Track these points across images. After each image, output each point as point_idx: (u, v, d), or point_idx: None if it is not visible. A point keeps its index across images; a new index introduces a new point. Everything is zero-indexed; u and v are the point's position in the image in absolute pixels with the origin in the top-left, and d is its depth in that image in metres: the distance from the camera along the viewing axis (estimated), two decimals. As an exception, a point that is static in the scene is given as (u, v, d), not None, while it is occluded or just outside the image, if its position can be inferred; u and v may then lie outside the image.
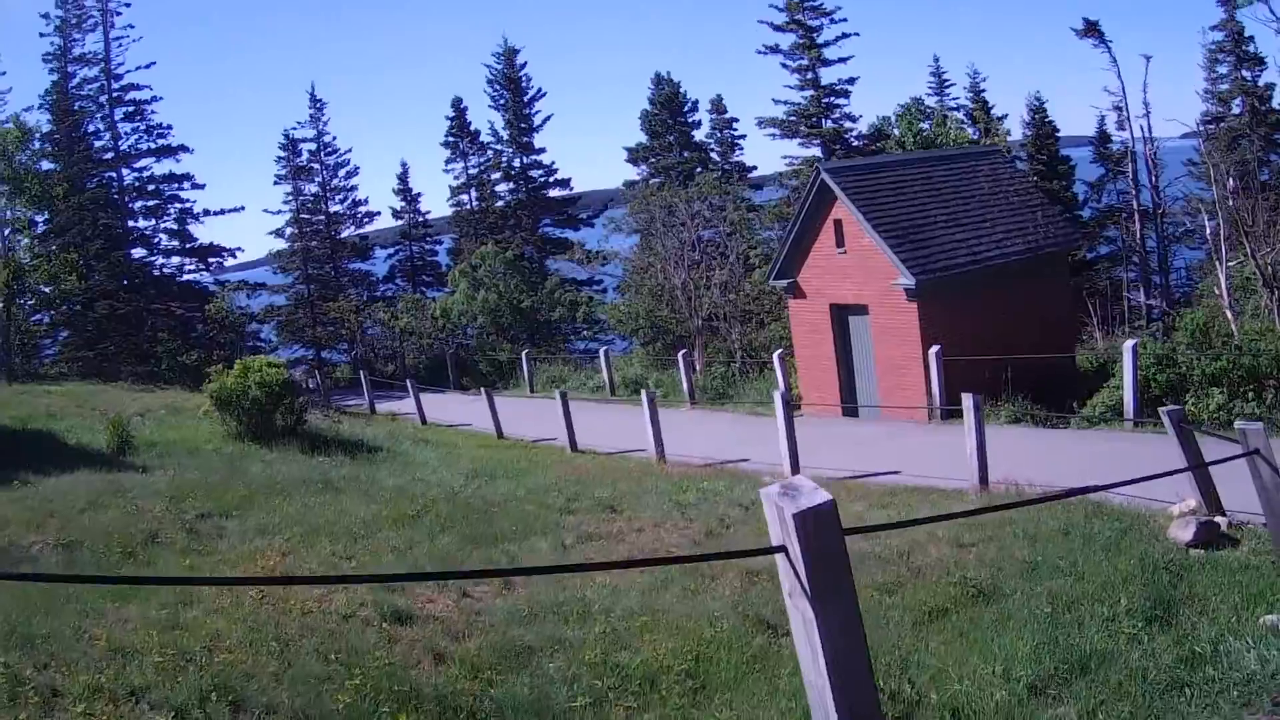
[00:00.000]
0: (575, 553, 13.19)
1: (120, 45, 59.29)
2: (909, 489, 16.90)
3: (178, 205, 62.76)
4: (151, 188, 62.39)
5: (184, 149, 62.20)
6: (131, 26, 62.29)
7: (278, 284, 72.42)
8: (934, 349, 24.33)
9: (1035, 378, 24.29)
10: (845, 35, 55.82)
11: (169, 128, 61.78)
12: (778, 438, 19.87)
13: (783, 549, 4.48)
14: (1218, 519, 12.01)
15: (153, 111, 61.18)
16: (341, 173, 71.71)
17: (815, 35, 55.83)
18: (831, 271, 27.68)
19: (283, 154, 70.30)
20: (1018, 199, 29.17)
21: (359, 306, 61.54)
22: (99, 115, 60.59)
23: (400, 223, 73.33)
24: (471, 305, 55.27)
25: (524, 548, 13.36)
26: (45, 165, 55.55)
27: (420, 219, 73.14)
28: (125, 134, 61.23)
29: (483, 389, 34.31)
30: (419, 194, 72.84)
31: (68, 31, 59.18)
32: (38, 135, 53.10)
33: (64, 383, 41.88)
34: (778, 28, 56.39)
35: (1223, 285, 28.86)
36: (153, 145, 61.47)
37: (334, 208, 71.66)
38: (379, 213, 73.39)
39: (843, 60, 56.26)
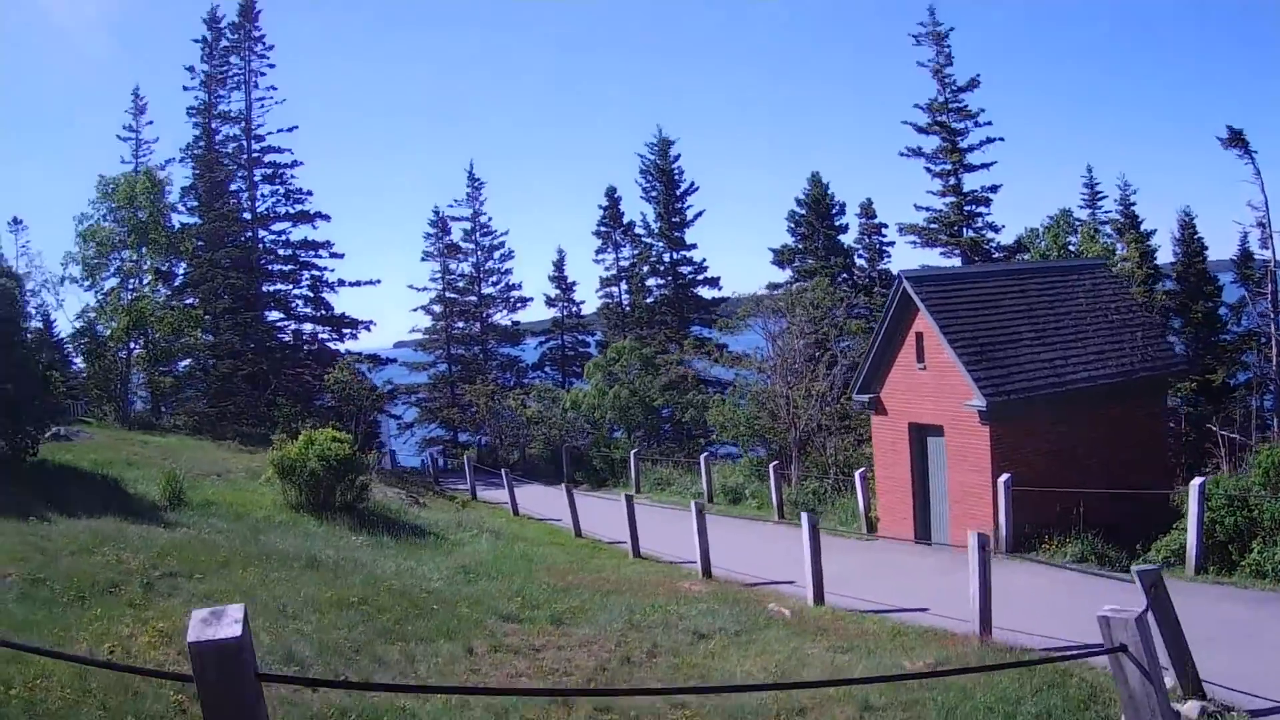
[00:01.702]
0: (483, 660, 12.80)
1: (262, 106, 61.50)
2: (904, 630, 16.16)
3: (312, 272, 64.36)
4: (286, 251, 64.05)
5: (322, 216, 64.02)
6: (274, 88, 63.65)
7: (416, 361, 73.85)
8: (1004, 478, 23.16)
9: (1118, 513, 22.96)
10: (990, 140, 55.27)
11: (308, 193, 63.62)
12: (823, 563, 19.35)
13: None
14: (1189, 704, 11.02)
15: (292, 176, 63.10)
16: (496, 255, 73.19)
17: (958, 139, 55.35)
18: (912, 388, 26.79)
19: (432, 230, 72.14)
20: (1117, 317, 27.61)
21: (493, 391, 61.81)
22: (239, 174, 62.50)
23: (554, 311, 74.08)
24: (602, 399, 55.16)
25: (428, 649, 12.99)
26: (183, 218, 58.23)
27: (574, 308, 73.94)
28: (263, 196, 63.26)
29: (565, 486, 34.09)
30: (574, 283, 73.95)
31: (213, 87, 61.50)
32: (174, 188, 55.43)
33: (170, 435, 42.93)
34: (921, 129, 56.07)
35: None
36: (290, 210, 63.42)
37: (486, 290, 73.02)
38: (531, 299, 74.15)
39: (986, 166, 55.67)
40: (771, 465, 34.20)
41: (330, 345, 65.22)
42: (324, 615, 13.97)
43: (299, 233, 64.12)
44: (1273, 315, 41.51)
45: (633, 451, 45.70)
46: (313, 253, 64.28)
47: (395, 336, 76.73)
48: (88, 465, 26.79)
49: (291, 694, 10.17)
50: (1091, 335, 26.79)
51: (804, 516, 19.67)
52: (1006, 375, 24.71)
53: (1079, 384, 25.59)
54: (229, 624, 3.90)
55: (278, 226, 63.74)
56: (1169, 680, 11.45)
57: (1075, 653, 7.45)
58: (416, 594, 16.58)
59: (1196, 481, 20.07)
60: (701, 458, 39.77)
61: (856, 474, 30.36)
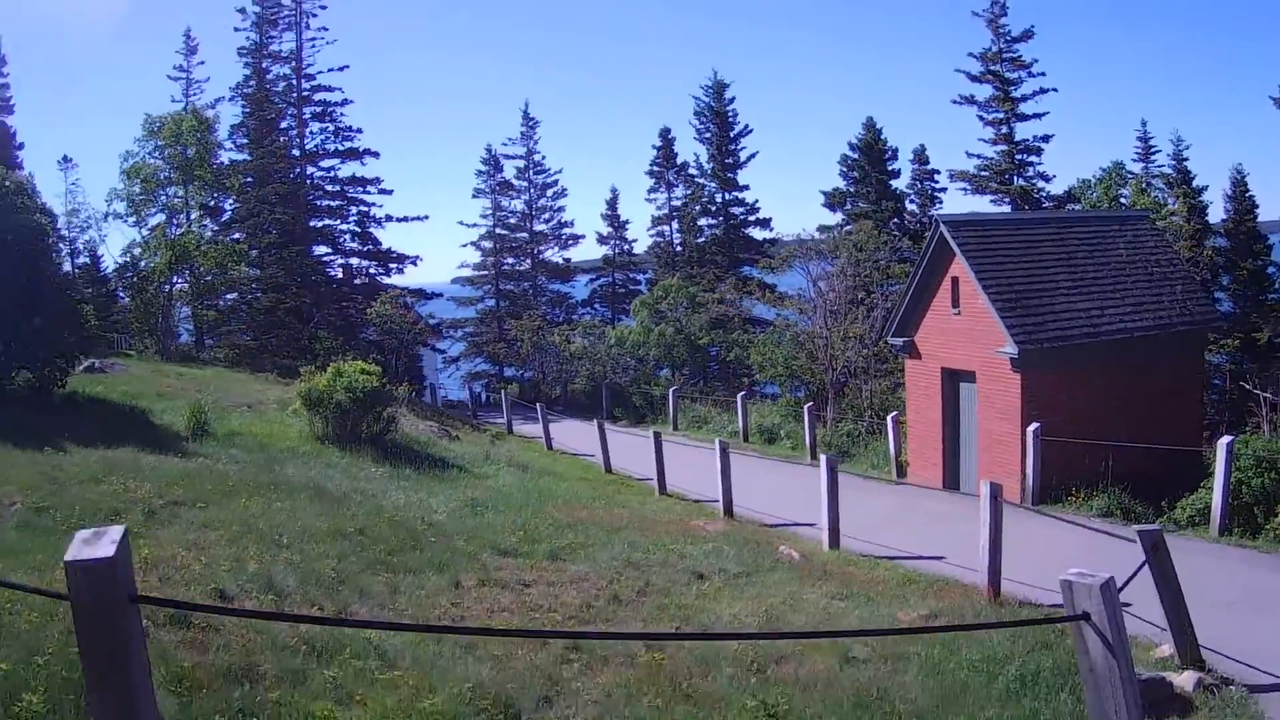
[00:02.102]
0: (467, 594, 12.67)
1: (314, 46, 61.24)
2: (915, 578, 15.92)
3: (359, 207, 64.29)
4: (334, 188, 63.94)
5: (370, 153, 63.89)
6: (325, 29, 63.49)
7: (464, 296, 74.12)
8: (1033, 427, 22.77)
9: (1148, 468, 22.39)
10: (1043, 90, 54.49)
11: (358, 130, 63.43)
12: (849, 506, 19.21)
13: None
14: (1184, 675, 10.50)
15: (342, 114, 62.90)
16: (549, 192, 73.43)
17: (1011, 89, 54.61)
18: (946, 333, 26.36)
19: (484, 168, 72.25)
20: (1158, 270, 27.08)
21: (539, 326, 61.80)
22: (289, 112, 62.42)
23: (605, 249, 74.49)
24: (647, 337, 55.15)
25: (415, 581, 12.90)
26: (233, 155, 58.73)
27: (625, 246, 74.20)
28: (312, 133, 63.12)
29: (597, 421, 33.87)
30: (626, 221, 74.35)
31: (264, 28, 61.27)
32: (223, 126, 55.86)
33: (209, 367, 43.01)
34: (974, 78, 55.38)
35: None
36: (339, 147, 63.11)
37: (538, 226, 73.32)
38: (583, 236, 74.48)
39: (1038, 116, 55.05)
40: (806, 406, 33.92)
41: (377, 280, 65.13)
42: (318, 545, 13.87)
43: (347, 169, 64.19)
44: None
45: (671, 389, 45.49)
46: (360, 189, 64.19)
47: (446, 273, 76.80)
48: (118, 397, 26.92)
49: (263, 623, 9.99)
50: (1130, 287, 26.21)
51: (823, 459, 19.39)
52: (1040, 323, 24.21)
53: (1115, 335, 25.03)
54: (106, 544, 3.85)
55: (326, 163, 63.72)
56: (1166, 649, 11.24)
57: (1062, 617, 7.17)
58: (416, 526, 16.47)
59: (1224, 440, 19.34)
60: (739, 397, 39.40)
61: (889, 418, 29.87)
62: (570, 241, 75.06)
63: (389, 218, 64.78)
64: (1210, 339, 40.42)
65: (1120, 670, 6.10)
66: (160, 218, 49.25)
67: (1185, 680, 10.43)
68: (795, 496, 23.02)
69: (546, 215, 74.53)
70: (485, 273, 74.38)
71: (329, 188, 64.13)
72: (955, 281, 25.72)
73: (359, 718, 8.14)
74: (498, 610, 11.88)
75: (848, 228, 49.98)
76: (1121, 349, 24.88)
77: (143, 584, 10.67)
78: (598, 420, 34.30)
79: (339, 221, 64.67)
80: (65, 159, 55.73)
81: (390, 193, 65.39)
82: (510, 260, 74.92)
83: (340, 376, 26.03)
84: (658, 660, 9.58)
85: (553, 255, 75.35)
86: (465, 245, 73.50)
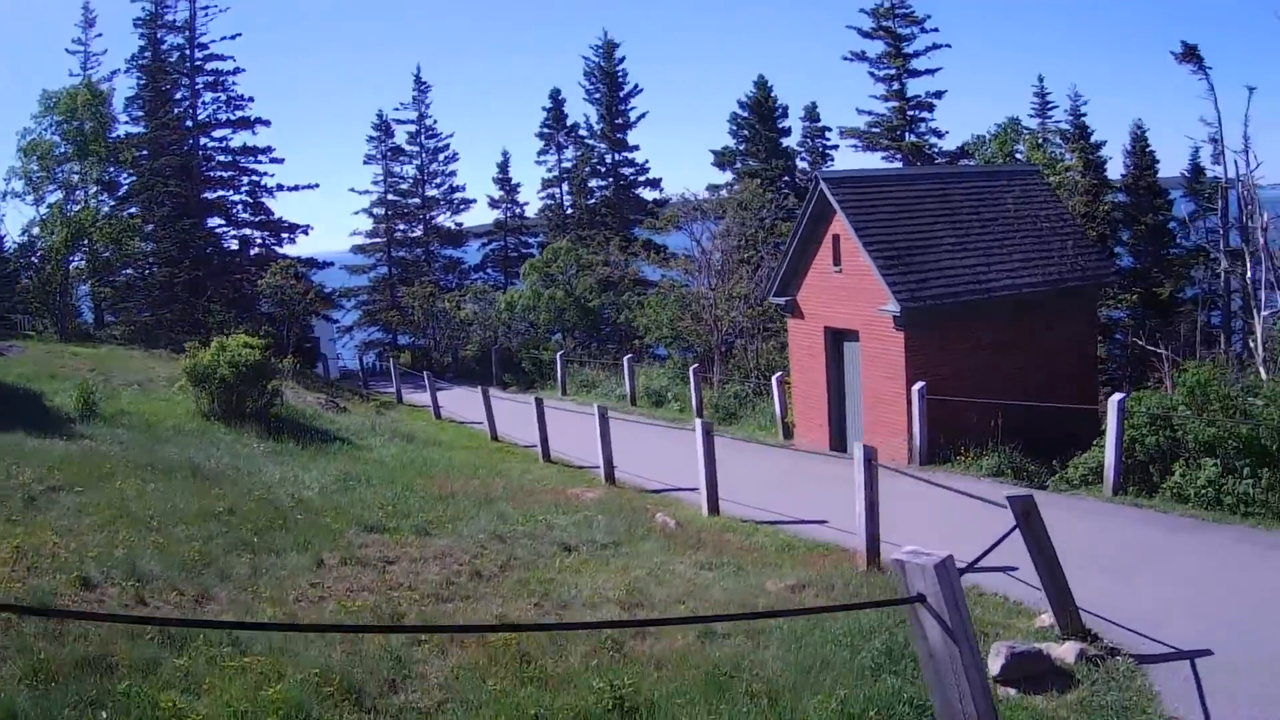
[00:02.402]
0: (329, 573, 12.42)
1: (207, 15, 60.27)
2: (794, 544, 15.67)
3: (251, 178, 63.63)
4: (226, 158, 63.19)
5: (261, 121, 63.17)
6: None
7: (357, 264, 73.50)
8: (917, 386, 22.49)
9: (1042, 427, 22.03)
10: (935, 46, 54.98)
11: (249, 99, 62.79)
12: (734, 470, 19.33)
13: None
14: (1064, 646, 10.06)
15: (234, 83, 62.21)
16: (440, 157, 73.19)
17: (903, 44, 54.81)
18: (829, 291, 25.89)
19: (375, 134, 71.74)
20: (1047, 225, 26.67)
21: (430, 293, 61.54)
22: (182, 83, 61.34)
23: (497, 213, 74.35)
24: (537, 300, 54.80)
25: (278, 561, 12.64)
26: (129, 128, 57.86)
27: (517, 210, 74.01)
28: (205, 104, 62.27)
29: (481, 389, 33.70)
30: (518, 185, 74.62)
31: (159, -3, 60.15)
32: (119, 98, 55.51)
33: (104, 345, 42.91)
34: (865, 34, 55.51)
35: (1258, 335, 26.68)
36: (231, 116, 62.28)
37: (430, 192, 73.20)
38: (474, 201, 74.41)
39: (931, 72, 55.52)
40: (691, 369, 33.90)
41: (271, 250, 64.55)
42: (187, 527, 13.69)
43: (239, 139, 63.69)
44: (1222, 231, 41.13)
45: (558, 354, 45.38)
46: (252, 158, 63.62)
47: (341, 242, 76.31)
48: (12, 379, 26.87)
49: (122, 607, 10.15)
50: (1018, 242, 25.94)
51: (697, 423, 19.15)
52: (923, 280, 23.82)
53: (1001, 291, 24.67)
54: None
55: (219, 133, 63.11)
56: (1047, 618, 10.89)
57: (897, 599, 7.06)
58: (286, 504, 16.20)
59: (1116, 398, 19.11)
60: (625, 360, 39.34)
61: (774, 378, 29.61)
62: (462, 206, 75.06)
63: (280, 187, 64.32)
64: (1105, 294, 40.99)
65: (962, 655, 5.78)
66: (58, 195, 48.82)
67: (1066, 652, 10.06)
68: (678, 461, 22.58)
69: (438, 180, 74.44)
70: (378, 240, 74.02)
71: (221, 158, 63.52)
72: (836, 239, 25.29)
73: (205, 707, 7.94)
74: (357, 589, 11.60)
75: (734, 186, 50.13)
76: (1010, 306, 24.62)
77: (10, 574, 10.56)
78: (482, 388, 34.07)
79: (231, 192, 63.91)
80: (-35, 139, 54.97)
81: (282, 161, 65.08)
82: (402, 227, 74.71)
83: (224, 351, 25.80)
84: (509, 640, 9.51)
85: (445, 220, 75.39)
86: (358, 213, 73.15)
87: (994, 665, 9.42)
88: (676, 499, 20.23)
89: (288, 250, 64.82)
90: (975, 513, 15.48)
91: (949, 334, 23.86)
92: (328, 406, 32.87)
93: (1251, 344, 26.46)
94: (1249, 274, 27.20)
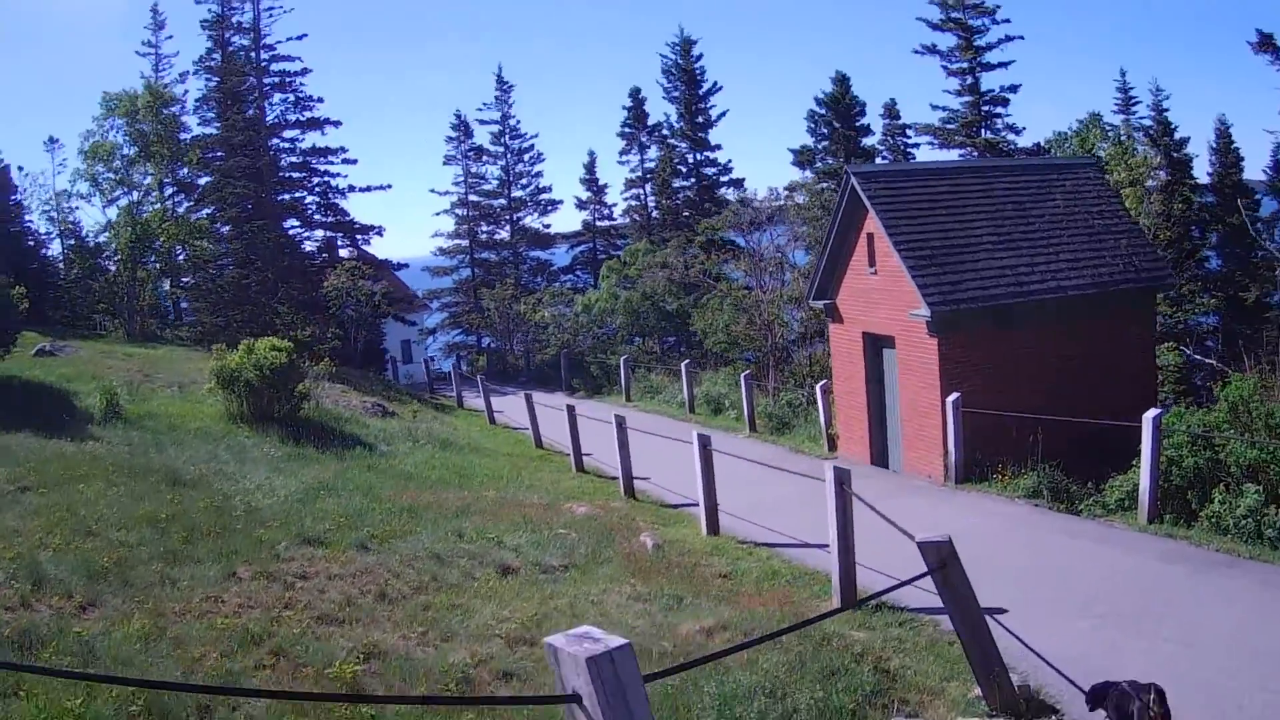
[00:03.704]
0: (239, 586, 11.69)
1: (271, 15, 59.49)
2: (777, 572, 14.52)
3: (321, 178, 62.79)
4: (297, 159, 62.49)
5: (331, 123, 62.18)
6: None
7: (439, 265, 73.47)
8: (952, 397, 20.74)
9: (1090, 441, 19.93)
10: (1008, 38, 53.13)
11: (318, 100, 61.82)
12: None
13: None
14: None
15: (302, 84, 61.24)
16: (525, 157, 72.89)
17: (975, 37, 53.04)
18: (865, 294, 24.35)
19: (454, 134, 71.57)
20: (1100, 223, 24.65)
21: (511, 295, 60.88)
22: (250, 84, 60.60)
23: (585, 214, 73.76)
24: (614, 303, 53.93)
25: (193, 571, 11.96)
26: (202, 129, 58.01)
27: (605, 210, 73.41)
28: (273, 104, 61.49)
29: (525, 395, 33.32)
30: (604, 185, 73.53)
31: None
32: (184, 101, 55.71)
33: (163, 346, 43.12)
34: (935, 26, 53.88)
35: None
36: (300, 117, 61.41)
37: (516, 193, 72.81)
38: (561, 202, 73.85)
39: (1004, 65, 53.69)
40: (743, 375, 32.42)
41: (342, 251, 64.11)
42: (125, 532, 13.28)
43: (309, 139, 62.76)
44: None
45: (622, 358, 44.42)
46: (323, 159, 62.73)
47: (421, 244, 76.64)
48: (54, 379, 26.67)
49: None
50: (1066, 241, 23.93)
51: (694, 434, 18.08)
52: (958, 281, 22.07)
53: (1045, 294, 22.70)
54: None
55: (289, 134, 62.24)
56: (976, 690, 9.19)
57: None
58: (235, 512, 15.45)
59: (1151, 414, 16.91)
60: (683, 365, 38.12)
61: (818, 387, 28.16)
62: (549, 207, 74.44)
63: (352, 188, 63.29)
64: (1185, 298, 39.10)
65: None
66: (129, 197, 48.81)
67: None
68: (732, 474, 20.27)
69: (524, 181, 73.91)
70: (460, 241, 73.65)
71: (292, 159, 62.68)
72: (870, 239, 23.71)
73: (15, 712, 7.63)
74: (249, 606, 10.87)
75: (789, 190, 48.78)
76: (1055, 310, 22.71)
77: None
78: (525, 394, 33.54)
79: (304, 194, 63.17)
80: (51, 140, 55.01)
81: (355, 162, 65.56)
82: (487, 228, 74.43)
83: (250, 354, 25.46)
84: (347, 672, 8.83)
85: (532, 221, 74.70)
86: (439, 214, 73.48)
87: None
88: (687, 515, 19.20)
89: (367, 251, 64.42)
90: (1002, 537, 14.33)
91: (988, 340, 22.10)
92: (373, 411, 32.17)
93: None
94: None
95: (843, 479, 12.63)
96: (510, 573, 13.64)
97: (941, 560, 8.33)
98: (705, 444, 17.70)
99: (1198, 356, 30.71)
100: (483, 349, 67.64)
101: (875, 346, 24.60)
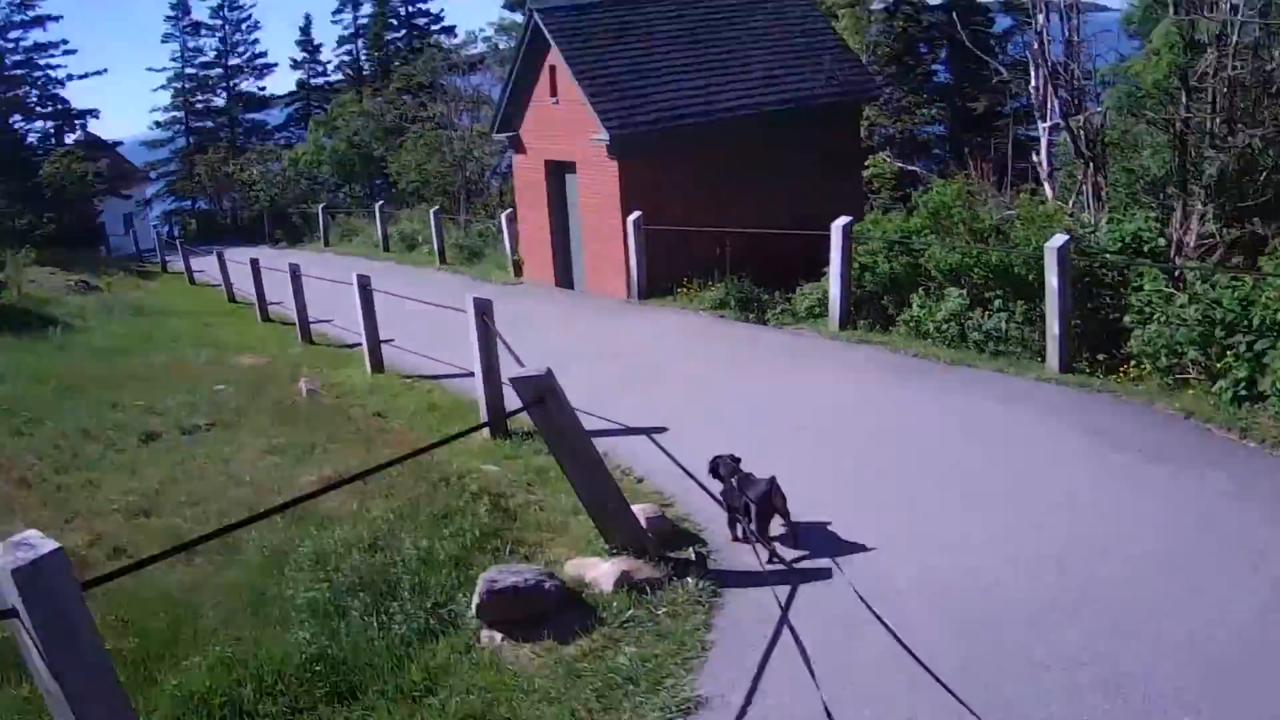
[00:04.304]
0: None
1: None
2: (436, 405, 13.54)
3: (42, 72, 61.78)
4: (20, 58, 61.37)
5: (52, 18, 62.99)
6: None
7: (157, 139, 71.73)
8: (633, 216, 19.78)
9: (791, 256, 18.70)
10: None
11: (39, -2, 58.79)
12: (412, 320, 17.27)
13: None
14: (602, 567, 7.39)
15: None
16: (244, 27, 72.22)
17: None
18: (548, 123, 23.11)
19: (173, 13, 70.33)
20: (802, 41, 23.69)
21: (223, 158, 59.01)
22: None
23: (300, 74, 73.50)
24: (320, 155, 52.59)
25: None
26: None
27: (319, 70, 72.99)
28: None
29: (215, 251, 32.53)
30: (319, 44, 73.02)
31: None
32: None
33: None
34: None
35: (1043, 151, 24.30)
36: (24, 17, 60.54)
37: (233, 61, 72.02)
38: (277, 65, 74.63)
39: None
40: (432, 211, 31.63)
41: (58, 138, 62.99)
42: None
43: (32, 37, 61.54)
44: (1037, 45, 38.52)
45: (320, 206, 43.64)
46: (44, 54, 61.46)
47: (140, 122, 73.88)
48: None
49: None
50: (762, 59, 22.95)
51: (355, 277, 16.70)
52: (639, 105, 20.91)
53: (739, 112, 21.73)
54: None
55: (12, 35, 60.85)
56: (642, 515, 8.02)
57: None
58: None
59: (840, 221, 15.92)
60: (376, 206, 37.26)
61: (503, 215, 27.38)
62: (265, 71, 73.55)
63: (70, 77, 63.49)
64: (872, 111, 39.02)
65: (80, 689, 3.87)
66: None
67: (603, 576, 7.28)
68: (396, 309, 18.85)
69: (241, 49, 72.55)
70: (177, 114, 71.57)
71: (15, 59, 61.13)
72: (553, 70, 22.47)
73: None
74: None
75: (497, 29, 47.38)
76: (751, 127, 21.69)
77: None
78: (217, 250, 32.62)
79: (27, 89, 61.71)
80: None
81: (74, 52, 63.03)
82: (203, 97, 72.50)
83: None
84: None
85: (249, 86, 73.24)
86: (157, 89, 71.72)
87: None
88: (361, 355, 17.41)
89: (90, 134, 64.01)
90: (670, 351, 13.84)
91: (674, 160, 21.01)
92: (76, 289, 31.43)
93: (1036, 158, 24.24)
94: (1033, 82, 24.47)
95: (483, 309, 11.55)
96: (153, 439, 12.23)
97: (538, 395, 7.26)
98: (365, 284, 16.46)
99: (912, 167, 30.59)
100: (195, 213, 65.82)
101: (559, 173, 23.41)
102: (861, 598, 6.53)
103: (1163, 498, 8.36)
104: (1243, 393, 10.26)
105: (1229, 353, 10.63)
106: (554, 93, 22.67)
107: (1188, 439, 9.68)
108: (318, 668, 6.28)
